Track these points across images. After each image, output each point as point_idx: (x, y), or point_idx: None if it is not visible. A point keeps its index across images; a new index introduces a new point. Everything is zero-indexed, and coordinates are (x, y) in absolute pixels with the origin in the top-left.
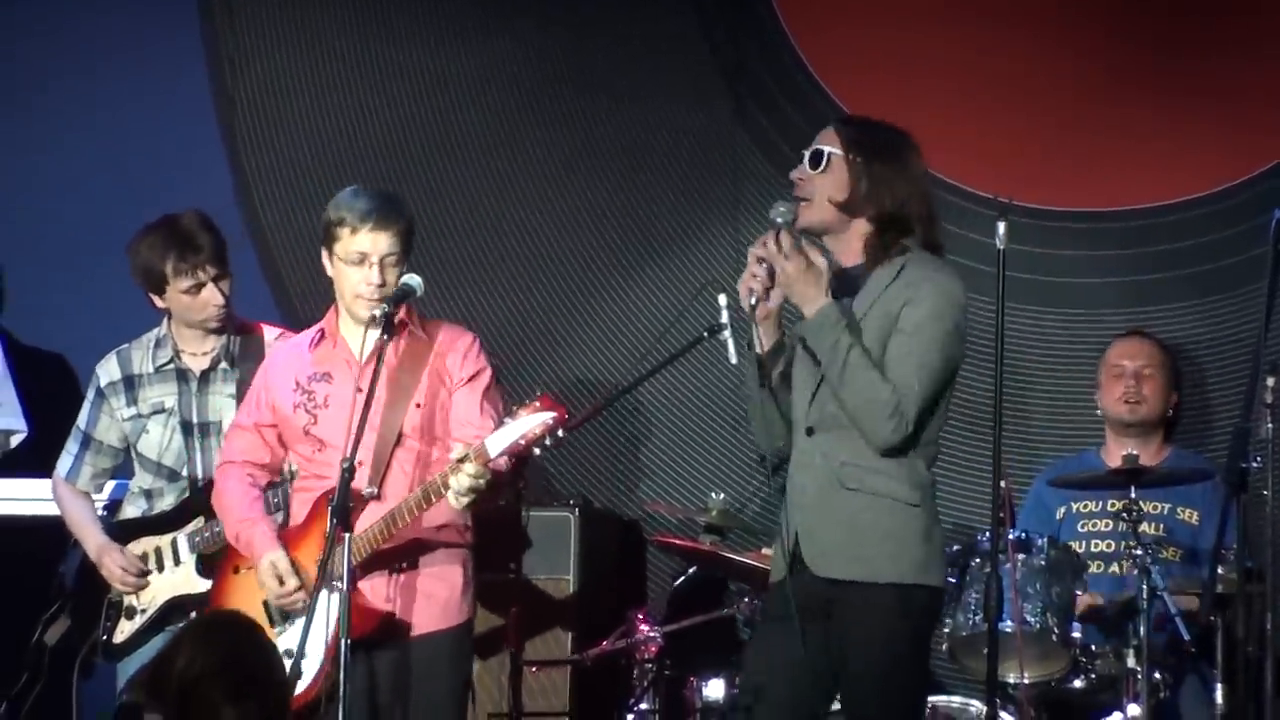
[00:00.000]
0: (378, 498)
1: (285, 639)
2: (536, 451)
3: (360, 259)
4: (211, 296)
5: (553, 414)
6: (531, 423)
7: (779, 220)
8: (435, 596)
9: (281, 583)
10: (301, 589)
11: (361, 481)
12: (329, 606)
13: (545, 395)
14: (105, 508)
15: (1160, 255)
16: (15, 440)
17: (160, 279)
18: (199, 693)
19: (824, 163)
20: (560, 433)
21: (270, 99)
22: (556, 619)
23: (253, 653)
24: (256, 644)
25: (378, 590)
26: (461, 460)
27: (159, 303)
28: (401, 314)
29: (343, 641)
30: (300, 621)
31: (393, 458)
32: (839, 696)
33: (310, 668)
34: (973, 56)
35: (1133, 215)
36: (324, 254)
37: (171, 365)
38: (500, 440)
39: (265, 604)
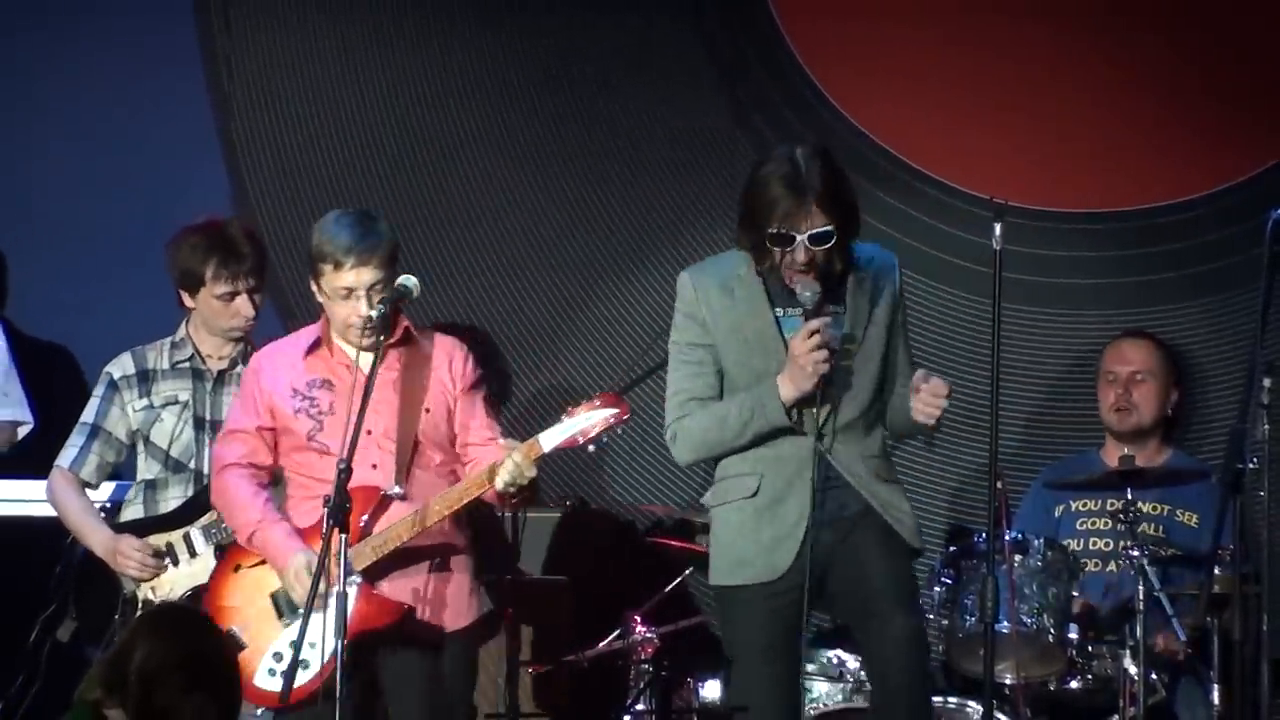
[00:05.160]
0: (404, 497)
1: (293, 631)
2: (591, 449)
3: (347, 294)
4: (243, 307)
5: (615, 409)
6: (593, 418)
7: (809, 303)
8: (446, 596)
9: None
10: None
11: (386, 482)
12: (342, 602)
13: (606, 393)
14: (103, 509)
15: (1158, 256)
16: (23, 432)
17: (197, 280)
18: (160, 685)
19: (831, 240)
20: (619, 429)
21: (266, 99)
22: (553, 620)
23: (209, 644)
24: (212, 635)
25: (396, 588)
26: (516, 452)
27: (188, 302)
28: (405, 323)
29: (338, 642)
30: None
31: (413, 461)
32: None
33: (317, 659)
34: (970, 58)
35: (1130, 216)
36: (311, 282)
37: (189, 363)
38: (556, 435)
39: (273, 596)
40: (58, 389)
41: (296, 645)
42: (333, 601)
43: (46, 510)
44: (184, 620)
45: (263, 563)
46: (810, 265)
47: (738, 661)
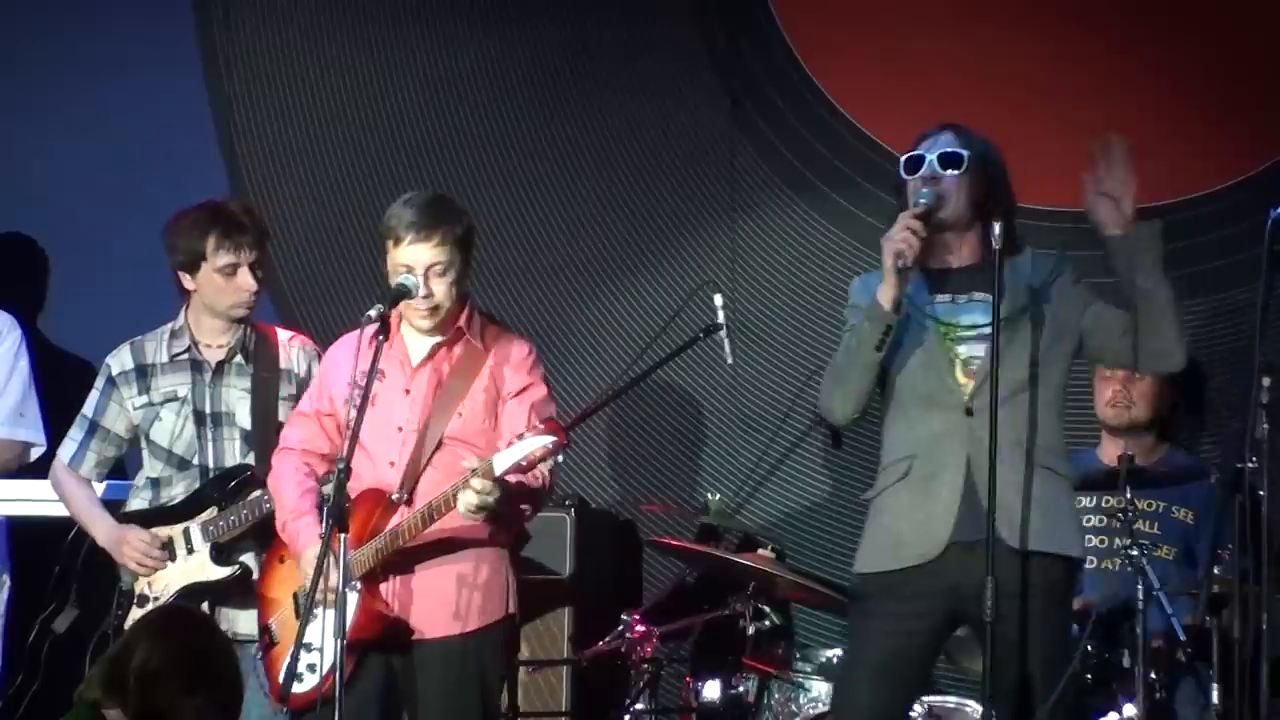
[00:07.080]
0: (408, 503)
1: (305, 632)
2: (544, 470)
3: (407, 271)
4: (245, 281)
5: (552, 438)
6: (534, 444)
7: (922, 203)
8: (455, 599)
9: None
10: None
11: (392, 485)
12: (342, 604)
13: (551, 420)
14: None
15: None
16: (35, 453)
17: (197, 256)
18: (159, 686)
19: (962, 165)
20: (560, 457)
21: (266, 96)
22: (553, 619)
23: (209, 645)
24: (212, 637)
25: (393, 592)
26: (472, 474)
27: (189, 283)
28: (461, 320)
29: (338, 642)
30: (321, 618)
31: (429, 464)
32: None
33: (324, 664)
34: (970, 58)
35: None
36: (385, 260)
37: (186, 356)
38: (507, 458)
39: (294, 595)
40: (64, 393)
41: (310, 648)
42: (342, 610)
43: (47, 511)
44: (185, 621)
45: None
46: (935, 182)
47: (845, 674)
